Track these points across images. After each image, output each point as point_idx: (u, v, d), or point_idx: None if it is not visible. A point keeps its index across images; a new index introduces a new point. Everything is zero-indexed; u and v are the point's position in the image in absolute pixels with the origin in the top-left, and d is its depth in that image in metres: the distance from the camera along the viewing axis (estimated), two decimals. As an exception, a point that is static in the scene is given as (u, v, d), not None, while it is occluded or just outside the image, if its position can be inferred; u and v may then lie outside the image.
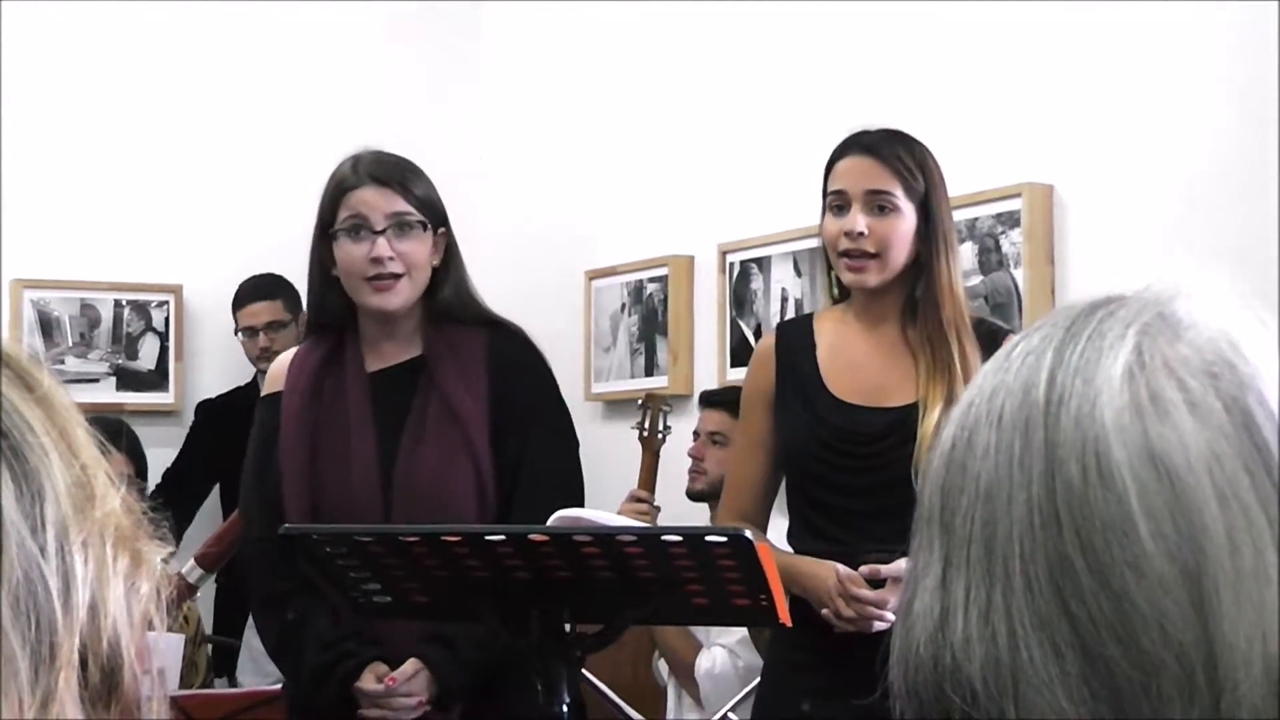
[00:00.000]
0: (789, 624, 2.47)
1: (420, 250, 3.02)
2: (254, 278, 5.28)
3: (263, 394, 3.18)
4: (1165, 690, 0.80)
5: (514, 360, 3.07)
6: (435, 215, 3.06)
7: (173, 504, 4.17)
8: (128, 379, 5.53)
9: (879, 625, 2.81)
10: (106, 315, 5.51)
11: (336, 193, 3.05)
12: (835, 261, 2.99)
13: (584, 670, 3.01)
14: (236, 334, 5.27)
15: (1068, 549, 0.81)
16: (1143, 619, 0.80)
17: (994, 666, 0.82)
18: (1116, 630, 0.80)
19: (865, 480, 2.93)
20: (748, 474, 3.10)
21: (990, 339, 2.96)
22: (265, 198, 5.60)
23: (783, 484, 3.12)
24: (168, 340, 5.57)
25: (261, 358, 5.20)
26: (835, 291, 3.10)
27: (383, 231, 2.99)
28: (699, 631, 4.14)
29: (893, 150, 2.97)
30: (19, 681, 0.79)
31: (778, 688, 3.06)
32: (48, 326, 5.45)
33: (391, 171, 3.05)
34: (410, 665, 2.91)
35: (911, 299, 2.99)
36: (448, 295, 3.07)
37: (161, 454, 5.15)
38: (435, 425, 2.99)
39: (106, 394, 5.45)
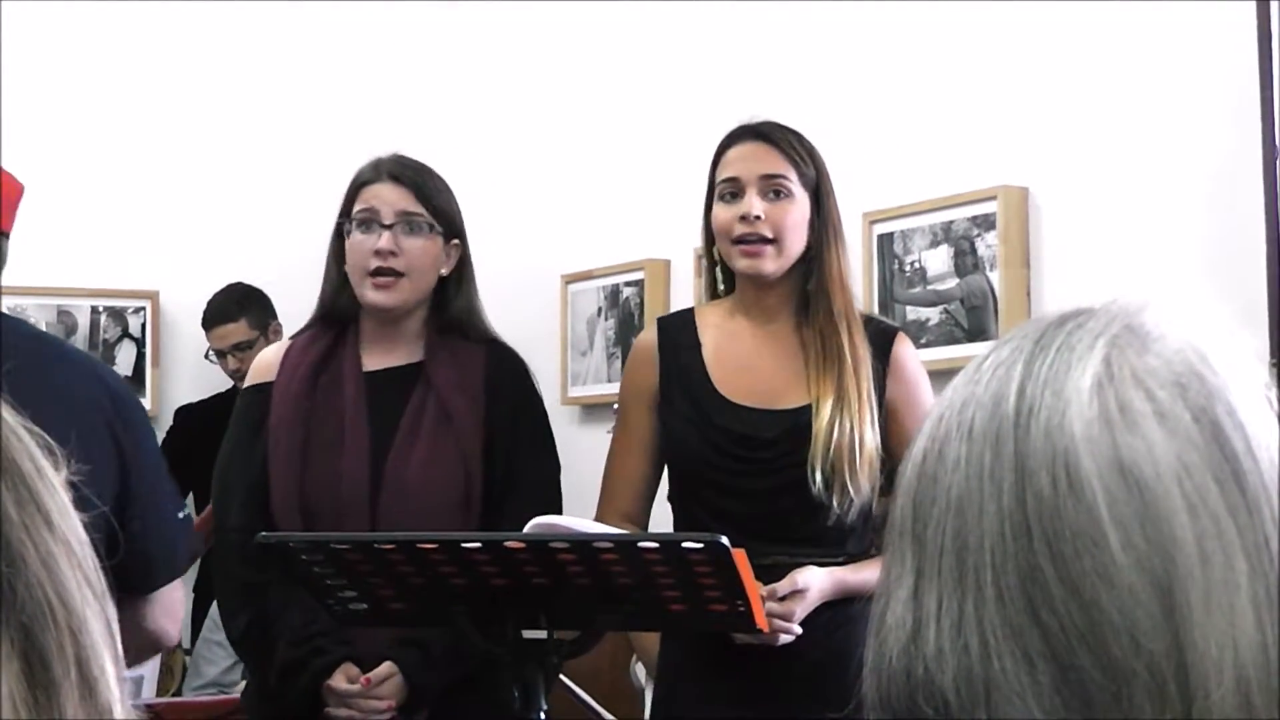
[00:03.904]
0: (766, 630, 2.46)
1: (425, 253, 3.04)
2: (219, 295, 5.24)
3: (247, 384, 3.16)
4: (1137, 699, 0.80)
5: (507, 377, 3.09)
6: (449, 224, 3.09)
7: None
8: (104, 385, 5.50)
9: (785, 638, 2.72)
10: (83, 322, 5.49)
11: (354, 187, 3.09)
12: (728, 250, 2.92)
13: (561, 674, 3.00)
14: (207, 356, 5.24)
15: (1038, 559, 0.82)
16: (1114, 628, 0.80)
17: (966, 677, 0.82)
18: (1088, 639, 0.81)
19: (760, 484, 2.86)
20: (629, 474, 3.02)
21: (882, 337, 2.92)
22: (242, 204, 5.59)
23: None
24: (144, 347, 5.55)
25: (235, 376, 5.19)
26: (721, 287, 3.03)
27: (390, 226, 3.02)
28: (677, 635, 4.13)
29: (784, 136, 2.94)
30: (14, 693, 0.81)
31: (673, 694, 2.99)
32: (23, 333, 5.42)
33: (409, 173, 3.09)
34: (385, 668, 2.90)
35: (803, 293, 2.93)
36: (459, 310, 3.10)
37: (137, 461, 5.12)
38: (430, 426, 2.99)
39: (82, 400, 5.42)
